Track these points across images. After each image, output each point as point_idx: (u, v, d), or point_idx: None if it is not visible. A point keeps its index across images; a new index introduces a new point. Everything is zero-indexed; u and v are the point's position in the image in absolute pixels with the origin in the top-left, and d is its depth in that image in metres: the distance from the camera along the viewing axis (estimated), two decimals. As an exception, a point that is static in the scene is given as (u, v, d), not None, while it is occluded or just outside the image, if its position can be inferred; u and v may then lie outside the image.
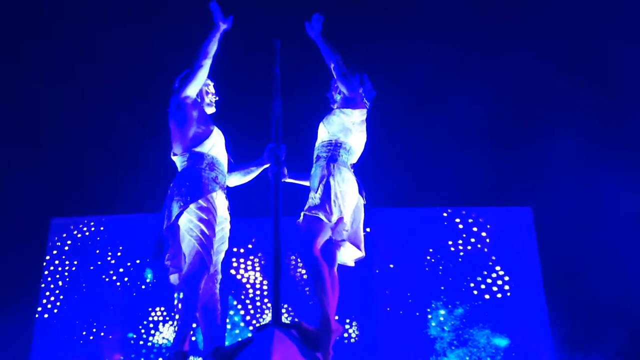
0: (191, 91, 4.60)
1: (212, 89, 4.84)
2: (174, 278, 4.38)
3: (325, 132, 4.62)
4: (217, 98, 4.85)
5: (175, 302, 8.21)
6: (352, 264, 4.62)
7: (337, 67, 4.65)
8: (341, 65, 4.68)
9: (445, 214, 8.56)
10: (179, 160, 4.57)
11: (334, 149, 4.55)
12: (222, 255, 4.56)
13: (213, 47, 4.62)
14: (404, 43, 8.50)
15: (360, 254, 4.53)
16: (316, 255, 4.23)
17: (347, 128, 4.60)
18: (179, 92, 4.59)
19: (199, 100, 4.70)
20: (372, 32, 8.52)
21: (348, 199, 4.43)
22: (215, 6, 4.66)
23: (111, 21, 8.51)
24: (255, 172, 4.83)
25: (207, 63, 4.59)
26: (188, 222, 4.33)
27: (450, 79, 8.53)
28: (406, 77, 8.46)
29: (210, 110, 4.79)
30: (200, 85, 4.65)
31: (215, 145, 4.58)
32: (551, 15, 8.40)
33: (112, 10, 8.52)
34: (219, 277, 4.49)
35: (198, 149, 4.51)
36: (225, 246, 4.59)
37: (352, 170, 4.56)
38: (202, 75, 4.59)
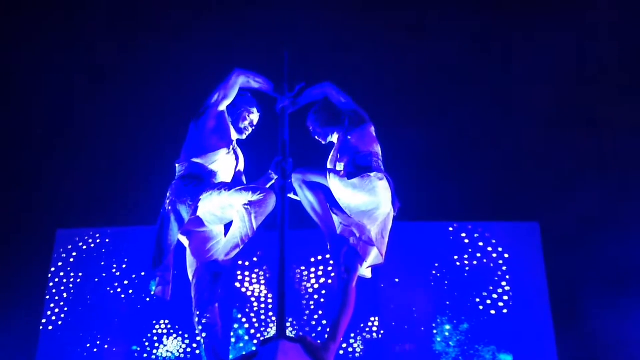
0: (217, 98, 4.58)
1: (253, 117, 4.75)
2: (164, 290, 4.36)
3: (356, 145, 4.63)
4: (253, 128, 4.78)
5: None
6: (370, 276, 4.60)
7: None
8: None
9: (451, 229, 8.52)
10: (177, 169, 4.54)
11: (369, 158, 4.56)
12: None
13: (249, 81, 4.64)
14: (408, 52, 8.48)
15: (380, 260, 4.50)
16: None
17: (374, 138, 4.68)
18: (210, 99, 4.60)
19: (228, 118, 4.65)
20: (378, 41, 8.50)
21: (381, 207, 4.44)
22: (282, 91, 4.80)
23: (123, 33, 8.54)
24: None
25: (237, 81, 4.58)
26: (216, 202, 4.32)
27: (457, 92, 8.51)
28: (413, 88, 8.45)
29: (238, 135, 4.71)
30: (229, 95, 4.61)
31: (219, 162, 4.51)
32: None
33: (123, 24, 8.56)
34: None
35: (198, 160, 4.46)
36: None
37: (387, 180, 4.55)
38: (232, 85, 4.59)
